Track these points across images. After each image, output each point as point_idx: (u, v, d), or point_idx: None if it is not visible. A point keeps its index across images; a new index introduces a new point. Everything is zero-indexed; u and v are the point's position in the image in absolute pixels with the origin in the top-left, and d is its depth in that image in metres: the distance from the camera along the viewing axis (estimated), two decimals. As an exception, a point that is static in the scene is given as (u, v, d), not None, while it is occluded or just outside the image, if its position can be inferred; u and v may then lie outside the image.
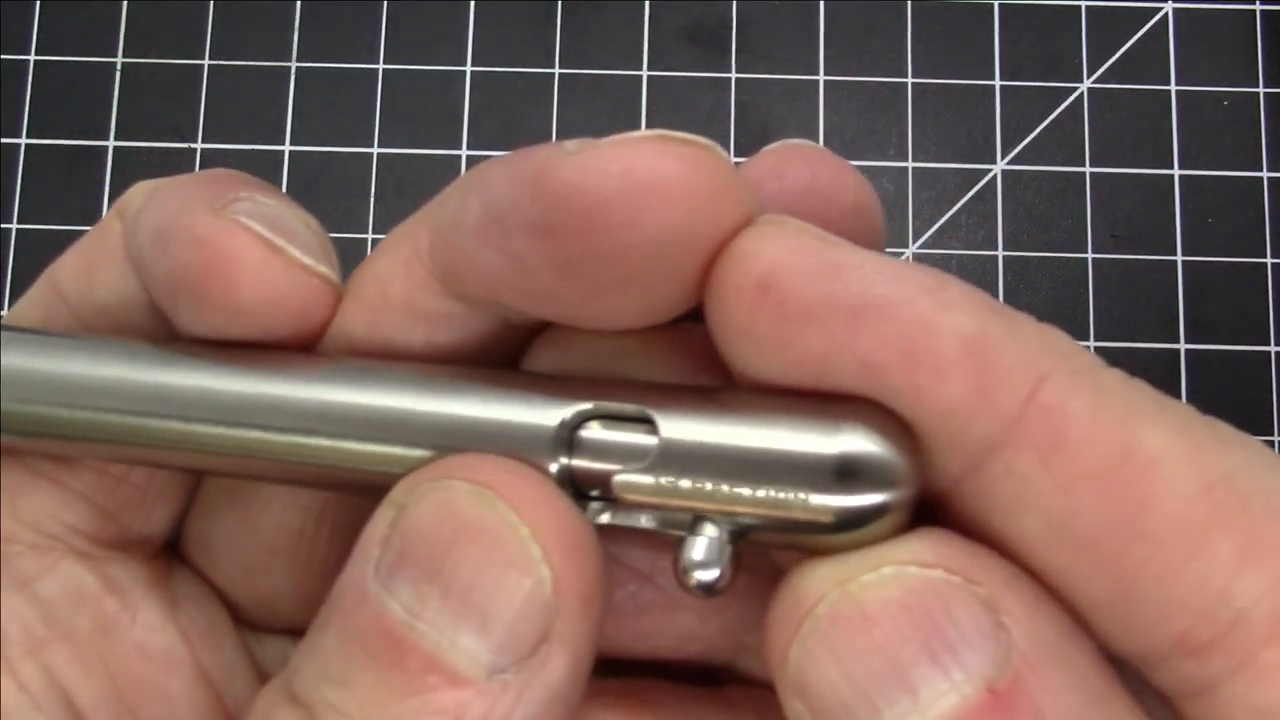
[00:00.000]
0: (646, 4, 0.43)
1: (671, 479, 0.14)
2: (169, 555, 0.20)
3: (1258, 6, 0.43)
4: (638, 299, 0.15)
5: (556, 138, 0.42)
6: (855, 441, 0.14)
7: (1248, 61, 0.43)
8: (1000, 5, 0.43)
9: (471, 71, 0.43)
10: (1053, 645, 0.13)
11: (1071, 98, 0.43)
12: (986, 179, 0.42)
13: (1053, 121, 0.42)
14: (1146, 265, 0.41)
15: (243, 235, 0.16)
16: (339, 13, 0.43)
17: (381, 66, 0.43)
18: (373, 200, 0.42)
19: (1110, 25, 0.43)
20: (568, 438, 0.15)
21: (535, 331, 0.17)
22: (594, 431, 0.15)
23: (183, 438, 0.16)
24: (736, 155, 0.42)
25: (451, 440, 0.15)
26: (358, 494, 0.16)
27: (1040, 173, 0.42)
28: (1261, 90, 0.42)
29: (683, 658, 0.18)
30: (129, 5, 0.43)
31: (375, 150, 0.42)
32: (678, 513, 0.15)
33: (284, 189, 0.42)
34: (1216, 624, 0.12)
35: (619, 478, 0.15)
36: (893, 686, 0.13)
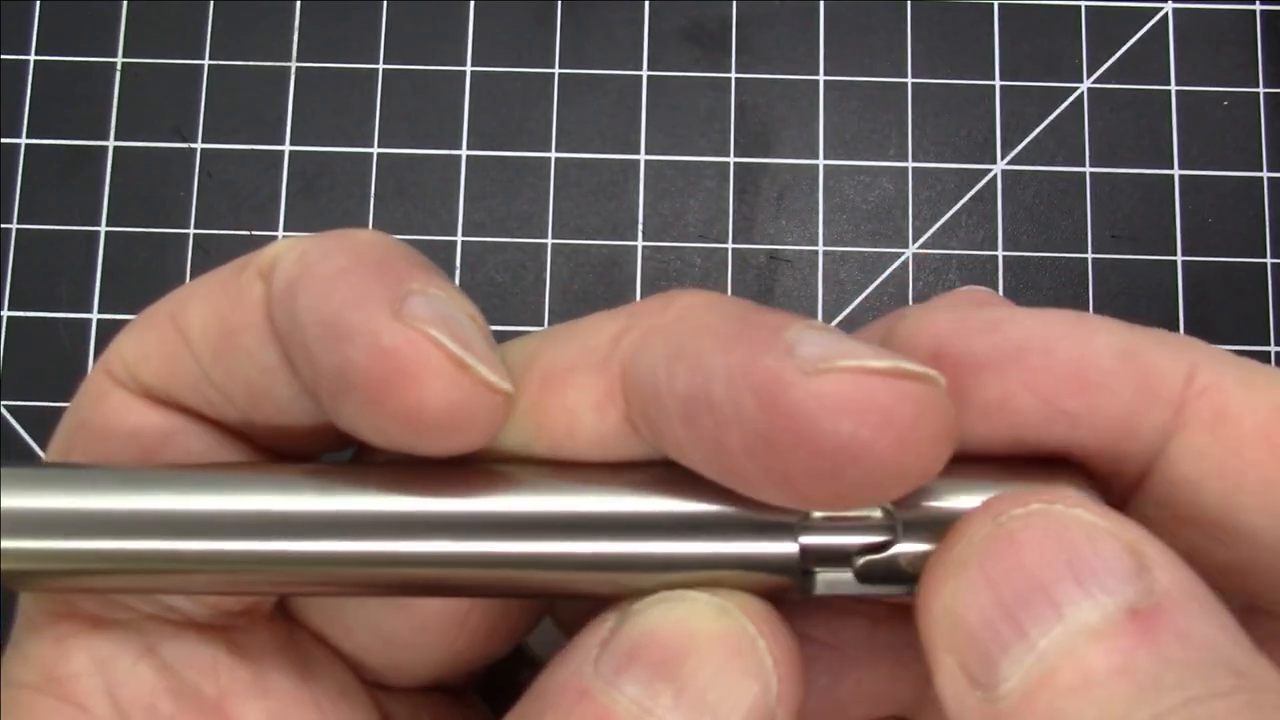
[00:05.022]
0: (646, 4, 0.43)
1: (911, 550, 0.16)
2: (285, 616, 0.19)
3: (1258, 6, 0.43)
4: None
5: (556, 138, 0.42)
6: None
7: (1248, 61, 0.43)
8: (1000, 5, 0.43)
9: (471, 71, 0.43)
10: (1194, 587, 0.13)
11: (1071, 98, 0.43)
12: (986, 179, 0.42)
13: (1053, 121, 0.42)
14: (1146, 265, 0.41)
15: (432, 351, 0.15)
16: (339, 13, 0.43)
17: (381, 66, 0.43)
18: (373, 200, 0.42)
19: (1110, 25, 0.43)
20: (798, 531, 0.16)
21: None
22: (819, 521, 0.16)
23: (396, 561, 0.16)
24: (737, 155, 0.42)
25: (688, 565, 0.16)
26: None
27: (1040, 173, 0.42)
28: (1261, 90, 0.42)
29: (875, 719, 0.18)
30: (129, 5, 0.43)
31: (375, 150, 0.42)
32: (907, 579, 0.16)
33: (284, 189, 0.42)
34: None
35: (866, 559, 0.16)
36: (1038, 603, 0.13)
